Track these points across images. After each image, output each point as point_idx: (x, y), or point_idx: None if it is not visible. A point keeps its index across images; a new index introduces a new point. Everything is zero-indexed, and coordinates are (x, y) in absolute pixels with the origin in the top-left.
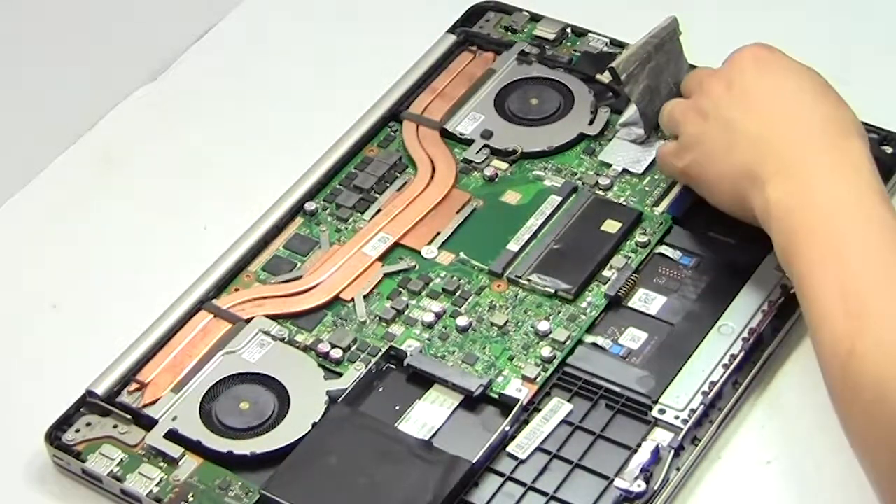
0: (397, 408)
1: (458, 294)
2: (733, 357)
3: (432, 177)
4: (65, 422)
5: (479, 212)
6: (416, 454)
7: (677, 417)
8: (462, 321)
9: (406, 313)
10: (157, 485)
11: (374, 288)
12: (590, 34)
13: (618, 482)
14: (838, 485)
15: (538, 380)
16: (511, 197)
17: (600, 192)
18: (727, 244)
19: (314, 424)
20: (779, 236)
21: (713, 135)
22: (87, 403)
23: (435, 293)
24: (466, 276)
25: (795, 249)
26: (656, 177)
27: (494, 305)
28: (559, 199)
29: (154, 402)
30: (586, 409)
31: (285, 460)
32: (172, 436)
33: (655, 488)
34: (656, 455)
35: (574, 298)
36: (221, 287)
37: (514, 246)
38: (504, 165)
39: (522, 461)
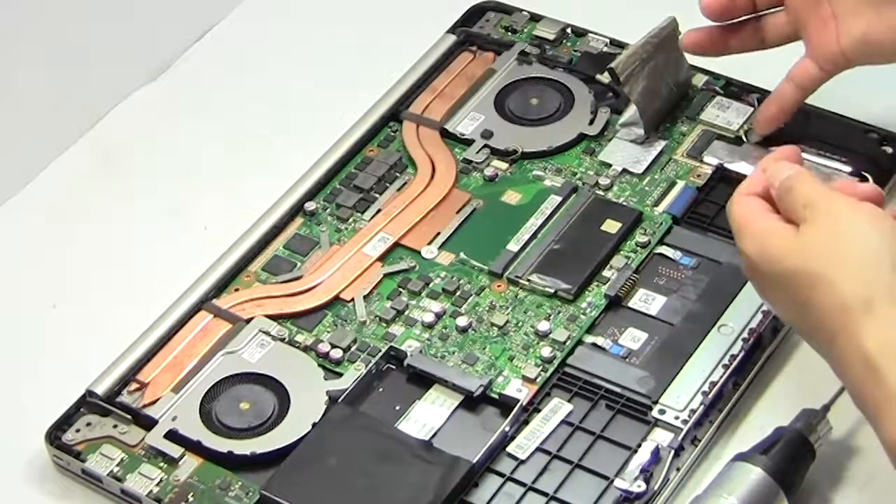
0: (397, 408)
1: (458, 294)
2: (733, 357)
3: (432, 177)
4: (65, 422)
5: (479, 212)
6: (416, 454)
7: (677, 418)
8: (462, 321)
9: (406, 313)
10: (157, 485)
11: (374, 288)
12: (590, 34)
13: (618, 482)
14: (837, 483)
15: (538, 380)
16: (511, 197)
17: (600, 192)
18: (727, 244)
19: (314, 424)
20: None
21: None
22: (87, 403)
23: (435, 293)
24: (466, 277)
25: None
26: (656, 177)
27: (494, 305)
28: (559, 199)
29: (154, 402)
30: (586, 410)
31: (285, 460)
32: (172, 436)
33: (655, 489)
34: (656, 455)
35: (574, 298)
36: (221, 287)
37: (514, 246)
38: (504, 165)
39: (522, 461)
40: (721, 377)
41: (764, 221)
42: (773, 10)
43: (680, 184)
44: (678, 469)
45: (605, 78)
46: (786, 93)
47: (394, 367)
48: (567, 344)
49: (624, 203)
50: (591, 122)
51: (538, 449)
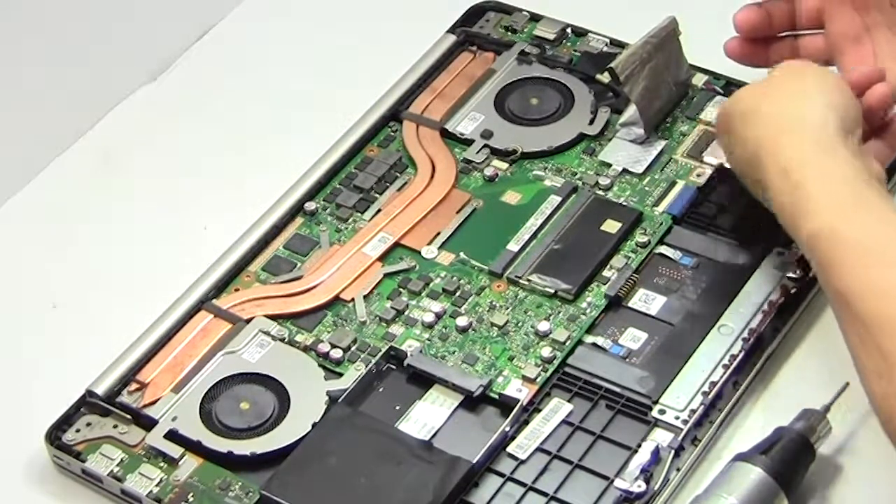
0: (397, 408)
1: (458, 294)
2: (733, 357)
3: (432, 177)
4: (65, 422)
5: (479, 212)
6: (416, 454)
7: (677, 418)
8: (462, 321)
9: (406, 313)
10: (157, 485)
11: (374, 288)
12: (590, 34)
13: (618, 482)
14: (837, 483)
15: (538, 380)
16: (511, 197)
17: (600, 192)
18: (727, 244)
19: (314, 424)
20: None
21: None
22: (87, 403)
23: (435, 293)
24: (466, 276)
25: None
26: (656, 177)
27: (494, 305)
28: (559, 199)
29: (154, 402)
30: (586, 410)
31: (285, 460)
32: (172, 436)
33: (655, 489)
34: (656, 455)
35: (574, 298)
36: (221, 287)
37: (514, 246)
38: (504, 165)
39: (522, 461)
40: (721, 377)
41: None
42: (812, 32)
43: (680, 184)
44: (678, 469)
45: (605, 78)
46: None
47: (394, 367)
48: (567, 344)
49: (624, 203)
50: (591, 122)
51: (538, 449)
